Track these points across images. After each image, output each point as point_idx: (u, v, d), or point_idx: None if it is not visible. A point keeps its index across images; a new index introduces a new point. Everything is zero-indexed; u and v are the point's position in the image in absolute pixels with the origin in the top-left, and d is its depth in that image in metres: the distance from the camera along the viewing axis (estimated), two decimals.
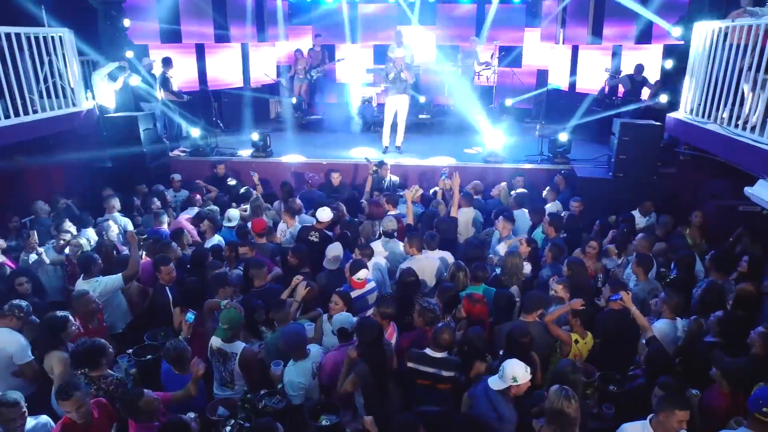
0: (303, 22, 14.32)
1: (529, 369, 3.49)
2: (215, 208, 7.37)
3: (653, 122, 8.01)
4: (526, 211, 7.06)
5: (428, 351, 4.05)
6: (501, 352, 4.12)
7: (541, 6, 13.75)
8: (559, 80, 13.15)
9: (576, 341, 4.36)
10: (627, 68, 10.33)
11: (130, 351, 4.45)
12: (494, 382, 3.51)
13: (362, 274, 4.89)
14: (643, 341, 4.61)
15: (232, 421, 3.42)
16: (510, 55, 13.36)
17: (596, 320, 4.71)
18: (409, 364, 4.04)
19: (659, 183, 7.96)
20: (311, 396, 3.97)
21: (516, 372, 3.44)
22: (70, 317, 4.17)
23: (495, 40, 13.49)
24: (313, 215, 6.35)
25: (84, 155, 8.78)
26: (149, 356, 4.39)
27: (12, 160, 7.73)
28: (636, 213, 7.20)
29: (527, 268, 5.51)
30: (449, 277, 5.17)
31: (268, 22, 13.88)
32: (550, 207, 7.27)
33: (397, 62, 9.38)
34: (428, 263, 5.45)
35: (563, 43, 13.22)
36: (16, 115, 7.28)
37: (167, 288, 5.07)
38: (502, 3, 13.06)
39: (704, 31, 6.77)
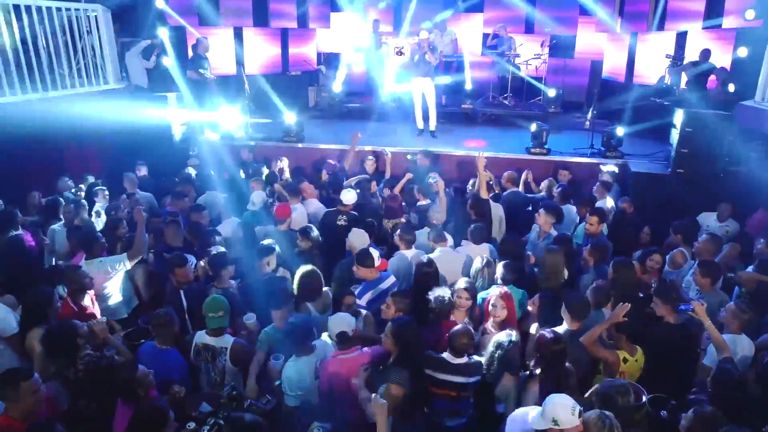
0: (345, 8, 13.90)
1: (577, 409, 2.73)
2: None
3: (721, 112, 7.13)
4: (573, 207, 6.40)
5: (447, 356, 3.53)
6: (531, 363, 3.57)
7: None
8: (614, 71, 12.25)
9: (624, 360, 3.71)
10: (692, 55, 9.34)
11: (123, 333, 4.14)
12: (535, 420, 2.83)
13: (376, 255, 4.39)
14: (705, 361, 3.95)
15: (212, 420, 2.98)
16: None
17: (648, 334, 4.04)
18: (426, 371, 3.54)
19: (728, 181, 7.07)
20: (310, 399, 3.49)
21: (558, 413, 2.71)
22: (55, 292, 3.88)
23: (546, 28, 12.76)
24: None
25: (116, 134, 8.68)
26: (142, 340, 4.04)
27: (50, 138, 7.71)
28: (709, 217, 6.39)
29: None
30: (473, 274, 4.60)
31: (309, 8, 13.54)
32: (601, 204, 6.54)
33: (422, 43, 9.08)
34: (453, 257, 4.89)
35: (620, 32, 12.28)
36: (44, 90, 7.22)
37: (182, 293, 4.42)
38: None
39: None
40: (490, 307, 4.06)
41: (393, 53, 11.87)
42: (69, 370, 3.44)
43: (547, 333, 3.51)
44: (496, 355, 3.59)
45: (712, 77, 8.67)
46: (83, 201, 6.18)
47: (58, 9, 7.44)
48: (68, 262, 4.91)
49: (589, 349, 3.70)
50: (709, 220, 6.45)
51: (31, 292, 3.90)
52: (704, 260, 4.71)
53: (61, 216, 5.87)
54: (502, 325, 3.99)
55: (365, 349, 3.60)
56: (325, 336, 3.80)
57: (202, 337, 3.75)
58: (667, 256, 5.38)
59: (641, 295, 4.65)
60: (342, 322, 3.52)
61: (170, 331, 3.63)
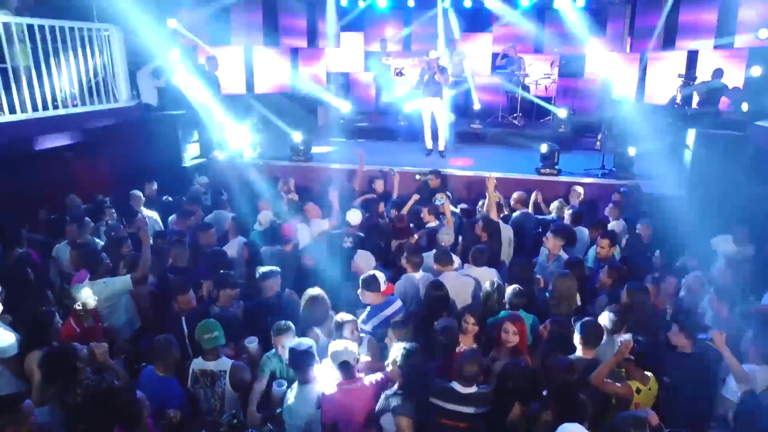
0: (354, 28, 14.01)
1: None
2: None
3: (735, 132, 7.01)
4: (586, 230, 6.27)
5: (455, 385, 3.41)
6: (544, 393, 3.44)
7: (607, 13, 12.84)
8: (624, 91, 12.17)
9: (637, 390, 3.56)
10: (704, 74, 9.25)
11: (123, 356, 4.05)
12: None
13: (382, 279, 4.27)
14: (724, 393, 3.80)
15: None
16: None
17: (663, 363, 3.89)
18: (434, 401, 3.41)
19: (743, 203, 6.91)
20: (312, 429, 3.37)
21: None
22: (56, 314, 3.82)
23: (555, 48, 12.76)
24: None
25: (126, 152, 8.71)
26: (144, 364, 3.95)
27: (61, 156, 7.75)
28: (724, 240, 6.23)
29: None
30: (483, 298, 4.49)
31: (318, 28, 13.65)
32: (613, 226, 6.42)
33: (432, 63, 9.02)
34: (461, 281, 4.77)
35: (630, 51, 12.24)
36: (55, 108, 7.26)
37: (183, 318, 4.27)
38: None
39: None
40: (502, 333, 3.93)
41: (393, 74, 11.93)
42: (68, 393, 3.37)
43: (560, 361, 3.38)
44: (506, 384, 3.46)
45: (724, 98, 8.55)
46: (87, 219, 6.14)
47: (71, 29, 7.52)
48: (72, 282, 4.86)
49: (601, 388, 3.57)
50: (724, 243, 6.29)
51: (32, 313, 3.84)
52: (720, 286, 4.56)
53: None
54: (513, 352, 3.87)
55: (370, 378, 3.49)
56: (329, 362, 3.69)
57: (199, 363, 3.65)
58: (683, 281, 5.24)
59: (656, 321, 4.53)
60: (344, 350, 3.40)
61: (170, 359, 3.55)
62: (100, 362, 3.63)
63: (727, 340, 3.72)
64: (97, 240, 5.99)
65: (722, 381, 3.92)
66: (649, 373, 3.69)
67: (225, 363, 3.63)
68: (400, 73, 11.86)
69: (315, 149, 9.75)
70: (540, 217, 6.97)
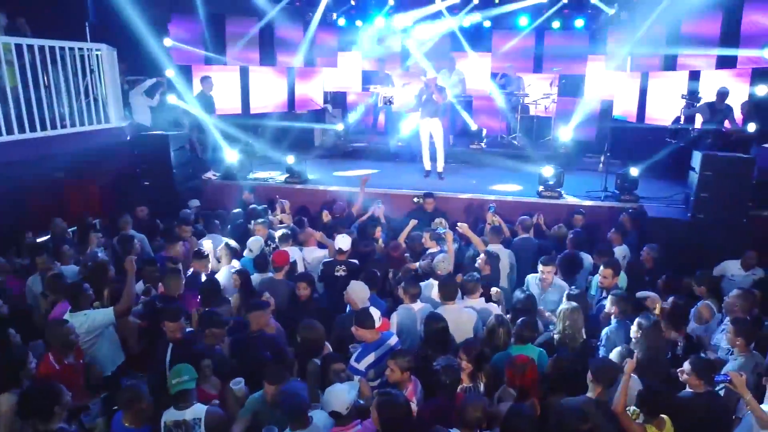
0: (351, 47, 13.91)
1: None
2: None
3: (742, 155, 6.84)
4: (588, 256, 6.05)
5: None
6: None
7: (606, 33, 12.78)
8: (625, 111, 12.04)
9: None
10: (708, 94, 9.07)
11: (103, 395, 3.79)
12: None
13: (376, 315, 4.00)
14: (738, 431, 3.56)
15: None
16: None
17: (673, 402, 3.65)
18: None
19: (751, 228, 6.72)
20: None
21: None
22: (30, 353, 3.57)
23: (554, 68, 12.66)
24: None
25: (117, 173, 8.52)
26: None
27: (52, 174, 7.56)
28: (732, 266, 6.03)
29: None
30: (487, 333, 4.22)
31: (315, 47, 13.54)
32: (617, 252, 6.21)
33: (430, 83, 8.94)
34: (462, 315, 4.50)
35: (631, 71, 12.13)
36: (43, 129, 7.08)
37: (169, 347, 4.11)
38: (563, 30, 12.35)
39: None
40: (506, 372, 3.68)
41: (381, 103, 11.78)
42: None
43: (571, 407, 3.13)
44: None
45: (727, 123, 8.35)
46: (66, 247, 5.88)
47: (62, 48, 7.37)
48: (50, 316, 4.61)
49: (620, 418, 3.33)
50: (732, 268, 6.09)
51: (2, 354, 3.59)
52: (737, 318, 4.31)
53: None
54: (520, 393, 3.60)
55: (365, 423, 3.23)
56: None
57: (170, 414, 3.35)
58: (692, 310, 5.01)
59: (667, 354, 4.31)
60: (337, 398, 3.14)
61: (138, 409, 3.26)
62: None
63: (747, 381, 3.48)
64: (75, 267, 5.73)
65: (739, 418, 3.68)
66: (665, 416, 3.44)
67: (199, 410, 3.36)
68: (389, 102, 11.67)
69: (310, 171, 9.51)
70: (540, 241, 6.75)
